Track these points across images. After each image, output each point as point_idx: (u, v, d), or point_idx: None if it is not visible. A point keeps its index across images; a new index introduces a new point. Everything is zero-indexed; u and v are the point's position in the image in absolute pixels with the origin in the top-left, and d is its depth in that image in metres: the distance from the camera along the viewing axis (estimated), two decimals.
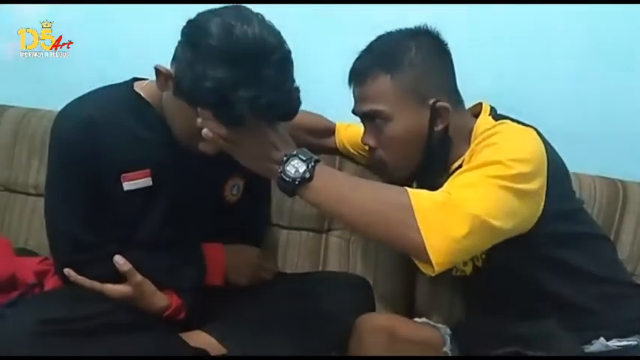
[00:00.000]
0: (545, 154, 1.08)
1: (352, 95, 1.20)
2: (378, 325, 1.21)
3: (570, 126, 1.49)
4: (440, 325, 1.32)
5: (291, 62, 1.04)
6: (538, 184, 1.05)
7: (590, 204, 1.40)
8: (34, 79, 1.81)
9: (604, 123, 1.53)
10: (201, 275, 1.22)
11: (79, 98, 1.19)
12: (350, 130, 1.47)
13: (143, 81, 1.23)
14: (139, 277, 1.15)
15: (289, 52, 1.03)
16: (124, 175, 1.16)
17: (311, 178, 0.99)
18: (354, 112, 1.21)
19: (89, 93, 1.20)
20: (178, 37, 1.07)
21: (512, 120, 1.16)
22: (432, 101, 1.13)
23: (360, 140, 1.41)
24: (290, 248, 1.52)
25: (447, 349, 1.24)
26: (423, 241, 0.95)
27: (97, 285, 1.15)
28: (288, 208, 1.52)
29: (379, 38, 1.19)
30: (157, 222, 1.19)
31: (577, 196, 1.27)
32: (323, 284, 1.31)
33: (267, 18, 1.05)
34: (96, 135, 1.13)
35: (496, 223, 0.98)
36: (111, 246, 1.16)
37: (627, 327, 1.09)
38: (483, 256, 1.16)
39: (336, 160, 1.53)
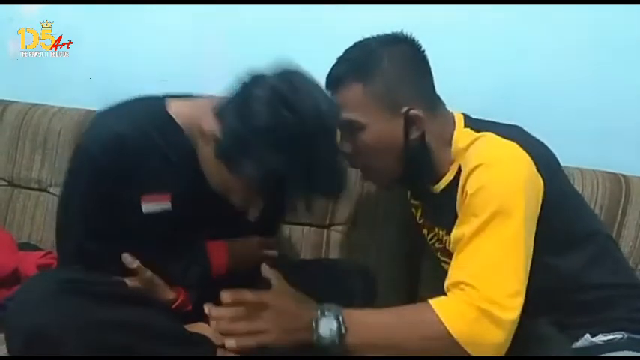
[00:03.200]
0: (531, 168, 1.07)
1: None
2: None
3: (573, 121, 1.49)
4: None
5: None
6: (533, 202, 1.06)
7: (592, 199, 1.40)
8: (36, 75, 1.81)
9: (606, 118, 1.53)
10: (205, 273, 1.22)
11: (113, 112, 1.16)
12: None
13: (177, 100, 1.19)
14: (148, 272, 1.16)
15: (336, 119, 1.03)
16: (144, 196, 1.15)
17: (346, 330, 1.01)
18: None
19: (123, 106, 1.17)
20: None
21: (491, 124, 1.16)
22: (404, 109, 1.13)
23: None
24: (292, 243, 1.53)
25: None
26: (475, 354, 1.00)
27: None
28: None
29: (355, 45, 1.19)
30: (171, 241, 1.19)
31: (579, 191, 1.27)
32: (324, 272, 1.31)
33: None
34: (125, 155, 1.11)
35: (522, 293, 1.01)
36: (118, 254, 1.16)
37: (615, 324, 1.10)
38: None
39: None
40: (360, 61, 1.15)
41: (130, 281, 1.15)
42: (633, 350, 1.06)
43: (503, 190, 1.04)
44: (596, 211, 1.37)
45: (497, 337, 0.99)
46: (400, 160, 1.16)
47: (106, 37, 1.76)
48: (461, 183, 1.10)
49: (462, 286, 1.02)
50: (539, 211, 1.07)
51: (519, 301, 1.01)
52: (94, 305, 1.02)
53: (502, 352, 1.01)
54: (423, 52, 1.18)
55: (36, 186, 1.64)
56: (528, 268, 1.04)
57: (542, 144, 1.15)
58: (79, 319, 0.99)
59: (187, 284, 1.21)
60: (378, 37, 1.19)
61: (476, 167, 1.06)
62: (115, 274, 1.15)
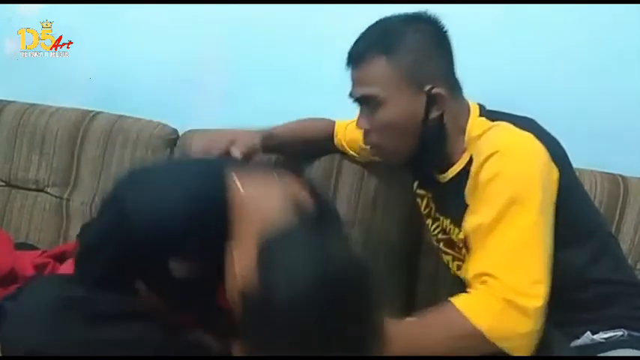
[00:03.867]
0: (547, 158, 1.07)
1: (350, 78, 1.18)
2: None
3: (571, 122, 1.48)
4: None
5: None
6: (549, 191, 1.05)
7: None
8: (34, 75, 1.81)
9: (604, 119, 1.53)
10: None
11: (170, 175, 1.06)
12: (348, 129, 1.46)
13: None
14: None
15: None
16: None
17: None
18: (350, 95, 1.19)
19: (183, 172, 1.06)
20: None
21: (506, 115, 1.15)
22: (428, 87, 1.11)
23: (356, 140, 1.41)
24: None
25: None
26: (502, 350, 0.98)
27: None
28: None
29: (378, 22, 1.17)
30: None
31: None
32: None
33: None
34: (165, 236, 0.99)
35: (545, 281, 1.01)
36: None
37: (615, 322, 1.09)
38: None
39: (335, 160, 1.52)
40: (383, 35, 1.14)
41: None
42: (634, 348, 1.06)
43: (518, 178, 1.03)
44: None
45: (526, 327, 0.98)
46: (415, 139, 1.14)
47: (105, 37, 1.76)
48: (473, 171, 1.08)
49: (483, 278, 1.01)
50: (555, 199, 1.06)
51: (544, 289, 1.00)
52: (92, 324, 1.01)
53: (533, 342, 0.99)
54: (446, 31, 1.16)
55: (33, 186, 1.64)
56: (551, 256, 1.03)
57: (555, 138, 1.14)
58: (77, 338, 0.99)
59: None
60: (399, 15, 1.17)
61: (491, 155, 1.05)
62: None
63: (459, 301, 1.01)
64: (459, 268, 1.22)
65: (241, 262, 0.90)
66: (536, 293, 0.99)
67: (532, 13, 1.52)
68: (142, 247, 0.99)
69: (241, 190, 1.00)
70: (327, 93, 1.56)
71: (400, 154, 1.18)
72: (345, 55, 1.18)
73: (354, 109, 1.20)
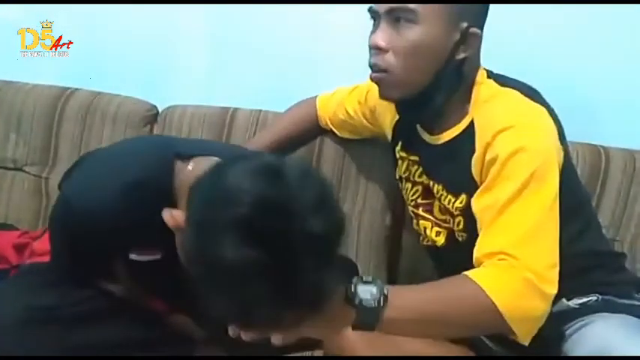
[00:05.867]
0: (557, 136, 1.06)
1: None
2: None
3: (550, 93, 1.48)
4: None
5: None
6: (557, 171, 1.03)
7: None
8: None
9: (585, 89, 1.53)
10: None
11: (111, 164, 1.07)
12: (330, 105, 1.44)
13: (183, 163, 1.04)
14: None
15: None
16: (132, 253, 1.06)
17: (386, 299, 0.91)
18: (370, 9, 1.09)
19: (120, 173, 1.04)
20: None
21: (513, 81, 1.12)
22: (465, 24, 1.05)
23: (340, 115, 1.42)
24: None
25: None
26: (512, 330, 0.96)
27: None
28: None
29: None
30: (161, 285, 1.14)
31: None
32: None
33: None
34: (116, 226, 1.00)
35: (557, 265, 0.99)
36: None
37: (589, 289, 1.11)
38: (464, 234, 1.13)
39: (316, 140, 1.50)
40: None
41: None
42: (608, 312, 1.08)
43: (539, 153, 1.01)
44: None
45: (540, 310, 0.96)
46: (431, 74, 1.07)
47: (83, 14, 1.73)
48: (481, 140, 1.05)
49: (501, 256, 0.97)
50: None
51: (557, 274, 0.98)
52: (66, 330, 1.01)
53: (536, 329, 0.97)
54: None
55: (11, 165, 1.61)
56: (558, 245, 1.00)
57: (553, 110, 1.12)
58: (52, 348, 0.99)
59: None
60: None
61: (506, 129, 1.01)
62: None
63: (476, 275, 0.97)
64: (437, 234, 1.20)
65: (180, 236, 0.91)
66: (552, 278, 0.97)
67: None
68: (93, 236, 1.00)
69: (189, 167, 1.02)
70: (310, 68, 1.56)
71: (408, 86, 1.09)
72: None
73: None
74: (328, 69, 1.58)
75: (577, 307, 1.10)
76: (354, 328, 0.92)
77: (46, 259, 1.18)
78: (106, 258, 1.06)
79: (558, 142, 1.06)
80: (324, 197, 0.81)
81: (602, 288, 1.11)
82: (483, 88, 1.10)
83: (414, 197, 1.25)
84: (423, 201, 1.22)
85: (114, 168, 1.05)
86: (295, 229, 0.76)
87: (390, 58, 1.06)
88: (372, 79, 1.11)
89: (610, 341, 0.98)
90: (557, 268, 0.98)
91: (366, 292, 0.90)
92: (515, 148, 1.00)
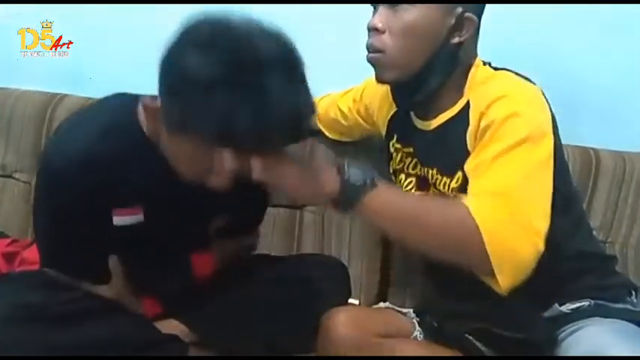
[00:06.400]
0: (549, 113, 1.08)
1: None
2: (345, 323, 1.15)
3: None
4: (404, 310, 1.31)
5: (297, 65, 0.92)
6: (549, 138, 1.05)
7: None
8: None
9: (575, 93, 1.53)
10: (186, 286, 1.19)
11: (78, 124, 1.11)
12: (320, 106, 1.42)
13: (148, 103, 1.07)
14: (121, 282, 1.13)
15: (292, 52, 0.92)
16: (115, 209, 1.09)
17: (374, 185, 0.95)
18: None
19: (89, 116, 1.12)
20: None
21: (508, 70, 1.14)
22: (460, 10, 1.08)
23: (331, 114, 1.43)
24: (264, 225, 1.50)
25: (416, 334, 1.24)
26: (492, 268, 0.95)
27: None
28: None
29: None
30: (143, 252, 1.14)
31: None
32: (298, 269, 1.29)
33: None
34: (94, 174, 1.04)
35: (548, 223, 0.98)
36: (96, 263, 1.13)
37: (582, 294, 1.11)
38: None
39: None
40: None
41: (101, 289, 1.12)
42: (600, 316, 1.08)
43: (533, 120, 1.02)
44: None
45: (525, 253, 0.95)
46: (426, 56, 1.10)
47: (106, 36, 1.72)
48: (474, 116, 1.06)
49: (494, 194, 0.98)
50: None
51: (546, 229, 0.97)
52: (52, 329, 1.00)
53: (519, 279, 0.96)
54: None
55: (0, 172, 1.60)
56: (550, 207, 1.00)
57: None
58: (35, 347, 0.98)
59: (166, 295, 1.18)
60: None
61: (500, 97, 1.03)
62: (92, 279, 1.12)
63: (467, 199, 0.98)
64: None
65: None
66: (541, 229, 0.96)
67: None
68: (75, 194, 1.04)
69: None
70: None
71: (402, 67, 1.11)
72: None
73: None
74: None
75: (569, 312, 1.10)
76: (335, 204, 0.96)
77: (36, 267, 1.18)
78: (88, 223, 1.07)
79: (551, 123, 1.07)
80: (280, 33, 0.91)
81: (595, 292, 1.11)
82: (480, 71, 1.13)
83: (409, 189, 1.25)
84: (418, 192, 1.23)
85: (81, 122, 1.11)
86: (252, 47, 0.87)
87: (386, 39, 1.10)
88: (368, 61, 1.13)
89: (602, 346, 0.98)
90: (547, 224, 0.98)
91: (357, 173, 0.96)
92: (509, 113, 1.01)
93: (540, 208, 0.99)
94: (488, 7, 1.15)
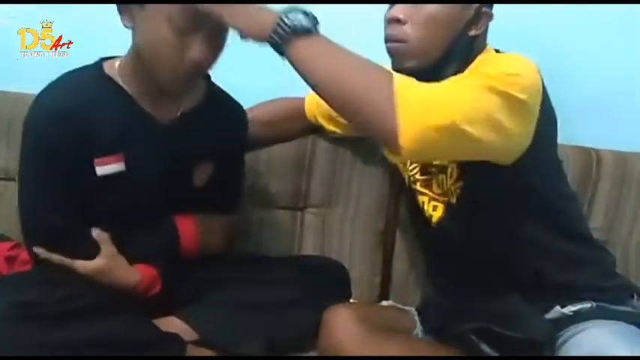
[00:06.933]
0: (541, 84, 1.09)
1: None
2: (348, 317, 1.17)
3: None
4: (406, 308, 1.32)
5: None
6: (532, 101, 1.04)
7: None
8: None
9: (576, 93, 1.53)
10: (173, 246, 1.22)
11: (52, 86, 1.18)
12: (321, 104, 1.44)
13: (111, 60, 1.20)
14: (113, 248, 1.16)
15: None
16: (96, 159, 1.15)
17: (310, 32, 0.97)
18: None
19: (60, 79, 1.19)
20: None
21: None
22: (477, 5, 1.14)
23: (331, 112, 1.42)
24: (265, 226, 1.51)
25: (418, 332, 1.25)
26: (397, 123, 0.93)
27: (67, 261, 1.14)
28: (263, 186, 1.50)
29: None
30: (129, 206, 1.18)
31: None
32: (298, 269, 1.30)
33: None
34: (70, 123, 1.12)
35: (475, 131, 0.97)
36: (83, 227, 1.16)
37: (581, 294, 1.12)
38: (458, 190, 1.16)
39: (309, 139, 1.52)
40: None
41: (90, 263, 1.14)
42: (601, 318, 1.08)
43: (512, 66, 1.05)
44: None
45: (434, 120, 0.94)
46: (444, 46, 1.15)
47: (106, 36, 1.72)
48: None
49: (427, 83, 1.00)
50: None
51: (469, 129, 0.96)
52: (47, 327, 1.01)
53: (426, 139, 0.94)
54: None
55: (2, 175, 1.60)
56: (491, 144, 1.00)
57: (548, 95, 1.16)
58: (32, 345, 0.99)
59: (153, 258, 1.20)
60: None
61: (490, 58, 1.10)
62: (80, 251, 1.15)
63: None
64: (434, 209, 1.23)
65: None
66: (462, 117, 0.96)
67: None
68: (57, 147, 1.12)
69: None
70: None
71: (422, 57, 1.15)
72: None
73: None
74: None
75: (571, 314, 1.11)
76: (268, 40, 0.97)
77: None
78: (72, 176, 1.14)
79: (540, 96, 1.08)
80: None
81: (596, 294, 1.12)
82: (484, 56, 1.16)
83: (413, 173, 1.28)
84: (422, 177, 1.26)
85: (53, 83, 1.18)
86: None
87: (407, 29, 1.14)
88: (389, 51, 1.17)
89: (603, 348, 0.98)
90: (473, 129, 0.97)
91: (297, 17, 0.96)
92: (491, 59, 1.09)
93: (473, 110, 0.98)
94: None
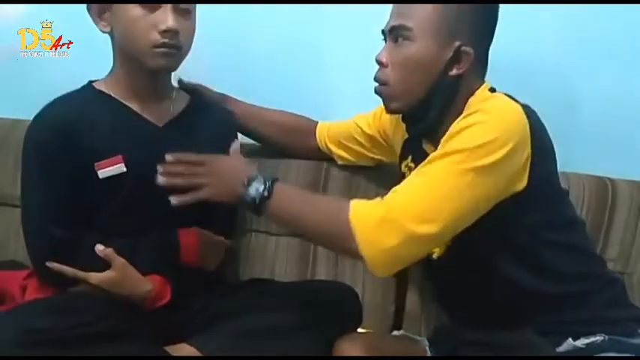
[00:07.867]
0: (525, 130, 1.07)
1: (390, 12, 1.19)
2: (359, 348, 1.19)
3: (559, 125, 1.48)
4: (418, 338, 1.32)
5: None
6: (502, 153, 1.03)
7: (579, 203, 1.40)
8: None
9: (592, 122, 1.52)
10: (173, 254, 1.25)
11: (47, 106, 1.26)
12: (332, 129, 1.48)
13: (98, 80, 1.32)
14: (121, 259, 1.18)
15: None
16: (97, 164, 1.21)
17: (269, 196, 1.08)
18: (383, 31, 1.20)
19: (54, 100, 1.28)
20: None
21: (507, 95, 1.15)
22: (457, 44, 1.13)
23: (340, 138, 1.46)
24: (278, 255, 1.51)
25: None
26: (362, 255, 1.03)
27: (80, 274, 1.17)
28: None
29: None
30: (132, 210, 1.23)
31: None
32: (311, 295, 1.29)
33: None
34: (68, 132, 1.21)
35: (431, 229, 1.02)
36: (89, 238, 1.20)
37: (593, 327, 1.10)
38: (456, 243, 1.15)
39: (323, 166, 1.52)
40: None
41: (102, 275, 1.17)
42: (615, 352, 1.07)
43: (487, 131, 1.04)
44: (583, 216, 1.37)
45: (389, 241, 1.01)
46: (426, 88, 1.15)
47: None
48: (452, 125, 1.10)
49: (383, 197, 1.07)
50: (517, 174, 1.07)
51: (435, 230, 1.02)
52: (62, 353, 1.02)
53: (388, 261, 1.04)
54: (498, 9, 1.18)
55: (19, 203, 1.61)
56: (466, 220, 1.05)
57: (546, 129, 1.14)
58: None
59: (158, 268, 1.23)
60: None
61: (471, 113, 1.08)
62: (85, 263, 1.17)
63: (355, 201, 1.07)
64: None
65: None
66: (414, 225, 1.01)
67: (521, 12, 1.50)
68: (57, 155, 1.19)
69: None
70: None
71: (405, 99, 1.17)
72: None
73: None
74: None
75: (583, 347, 1.09)
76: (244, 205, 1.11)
77: (43, 293, 1.23)
78: (75, 182, 1.20)
79: (525, 141, 1.07)
80: None
81: (607, 326, 1.10)
82: (476, 99, 1.15)
83: None
84: None
85: (49, 104, 1.27)
86: None
87: (388, 72, 1.17)
88: (375, 92, 1.21)
89: None
90: (439, 229, 1.02)
91: (254, 188, 1.08)
92: (466, 124, 1.06)
93: (434, 214, 1.02)
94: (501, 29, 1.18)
